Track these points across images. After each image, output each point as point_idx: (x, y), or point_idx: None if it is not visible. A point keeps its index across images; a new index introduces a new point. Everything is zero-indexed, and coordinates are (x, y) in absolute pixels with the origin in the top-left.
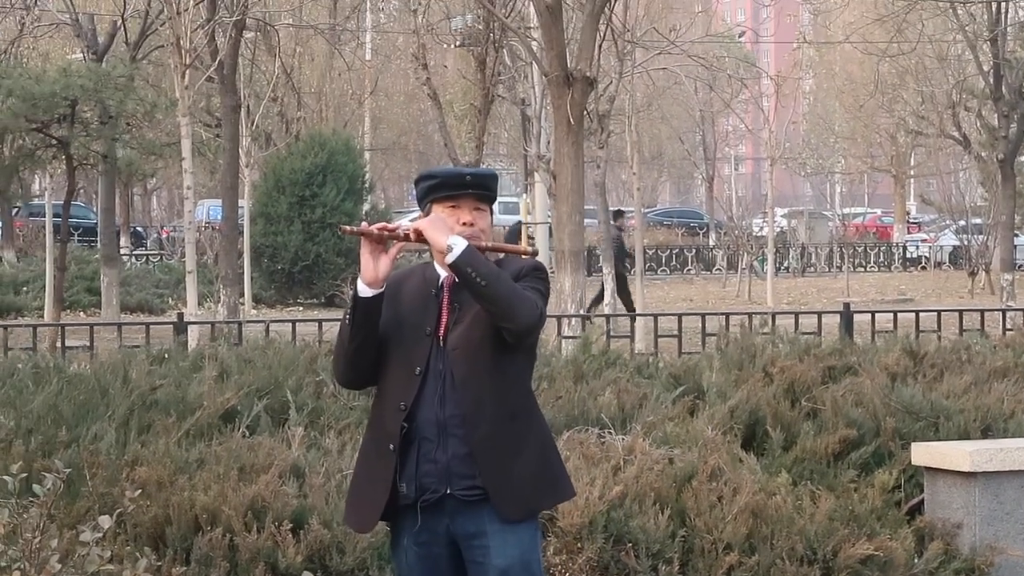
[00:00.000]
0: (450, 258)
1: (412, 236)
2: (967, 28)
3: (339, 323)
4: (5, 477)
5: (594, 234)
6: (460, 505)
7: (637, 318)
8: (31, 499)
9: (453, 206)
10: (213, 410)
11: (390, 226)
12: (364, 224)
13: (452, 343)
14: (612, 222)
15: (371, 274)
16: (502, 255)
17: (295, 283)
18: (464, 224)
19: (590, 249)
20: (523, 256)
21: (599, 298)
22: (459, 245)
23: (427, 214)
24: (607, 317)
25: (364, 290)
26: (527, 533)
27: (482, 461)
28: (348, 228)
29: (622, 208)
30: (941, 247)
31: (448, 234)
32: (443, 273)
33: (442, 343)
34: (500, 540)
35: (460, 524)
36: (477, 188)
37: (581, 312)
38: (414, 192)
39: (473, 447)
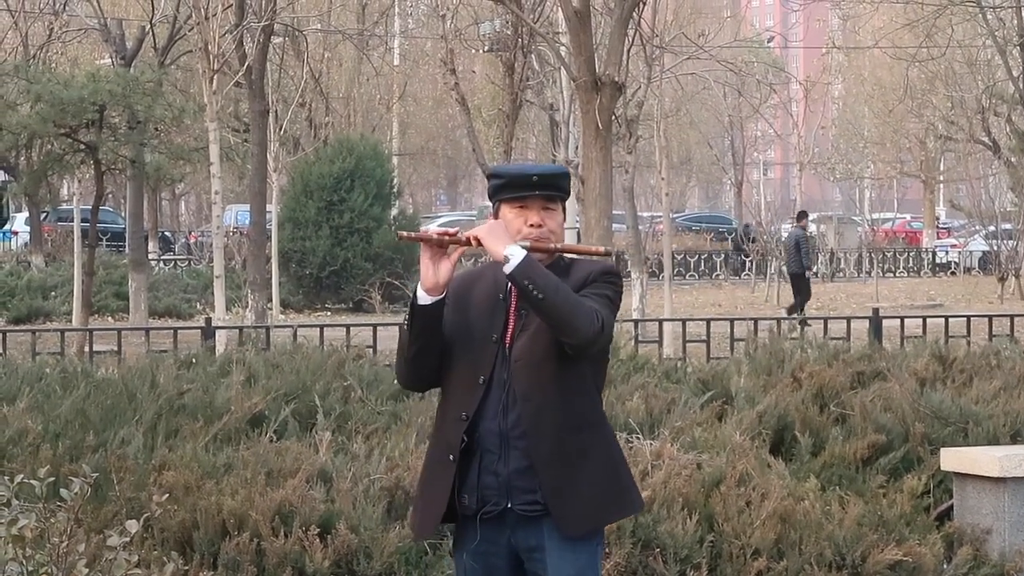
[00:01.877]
0: (507, 268)
1: (472, 242)
2: (996, 33)
3: (398, 327)
4: (32, 481)
5: (622, 239)
6: (521, 519)
7: (665, 323)
8: (59, 503)
9: (521, 206)
10: (241, 415)
11: (451, 231)
12: (423, 229)
13: (516, 354)
14: (796, 223)
15: (431, 280)
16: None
17: (323, 288)
18: (532, 225)
19: (618, 254)
20: (595, 256)
21: (800, 304)
22: (516, 256)
23: (496, 212)
24: (635, 322)
25: (423, 297)
26: (586, 551)
27: (543, 476)
28: (406, 234)
29: (805, 210)
30: (971, 252)
31: (506, 242)
32: None
33: (508, 351)
34: (557, 557)
35: (521, 537)
36: (545, 188)
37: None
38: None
39: (535, 461)
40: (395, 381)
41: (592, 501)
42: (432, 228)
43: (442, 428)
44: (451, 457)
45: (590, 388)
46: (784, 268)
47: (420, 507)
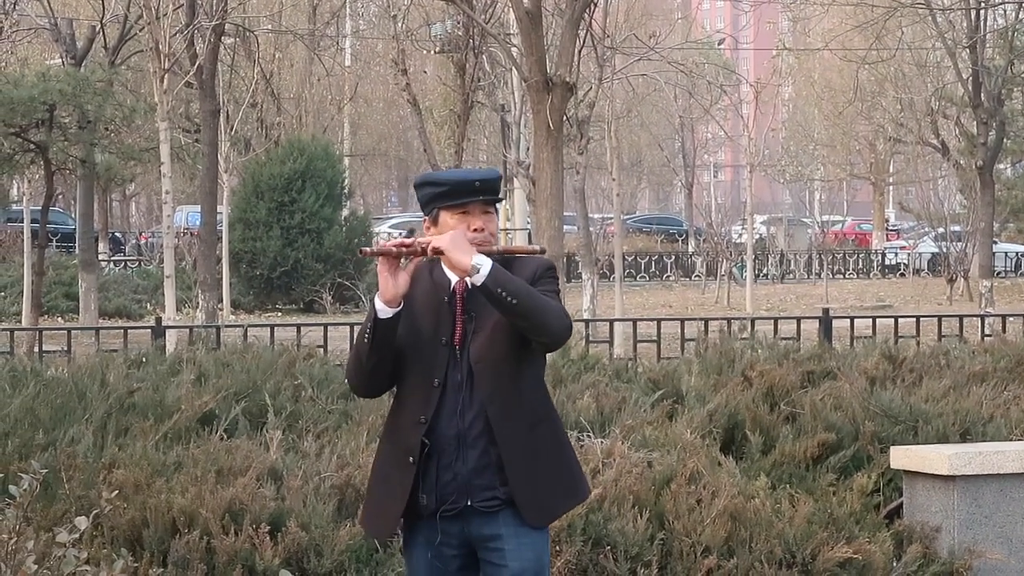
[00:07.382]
0: (478, 280)
1: (429, 251)
2: (946, 35)
3: (354, 341)
4: None
5: (573, 240)
6: (478, 514)
7: (615, 323)
8: (8, 501)
9: (463, 212)
10: (191, 413)
11: (407, 241)
12: (381, 243)
13: (476, 355)
14: None
15: (391, 291)
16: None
17: (274, 288)
18: (475, 230)
19: (569, 255)
20: (534, 255)
21: None
22: (485, 265)
23: (434, 220)
24: (586, 322)
25: (384, 310)
26: (541, 537)
27: (515, 475)
28: (368, 250)
29: None
30: (920, 254)
31: (471, 253)
32: (453, 278)
33: (458, 353)
34: (515, 543)
35: (476, 527)
36: (486, 193)
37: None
38: (415, 194)
39: (507, 462)
40: (345, 380)
41: (553, 492)
42: (390, 241)
43: (397, 431)
44: (410, 460)
45: (541, 381)
46: None
47: (375, 508)
